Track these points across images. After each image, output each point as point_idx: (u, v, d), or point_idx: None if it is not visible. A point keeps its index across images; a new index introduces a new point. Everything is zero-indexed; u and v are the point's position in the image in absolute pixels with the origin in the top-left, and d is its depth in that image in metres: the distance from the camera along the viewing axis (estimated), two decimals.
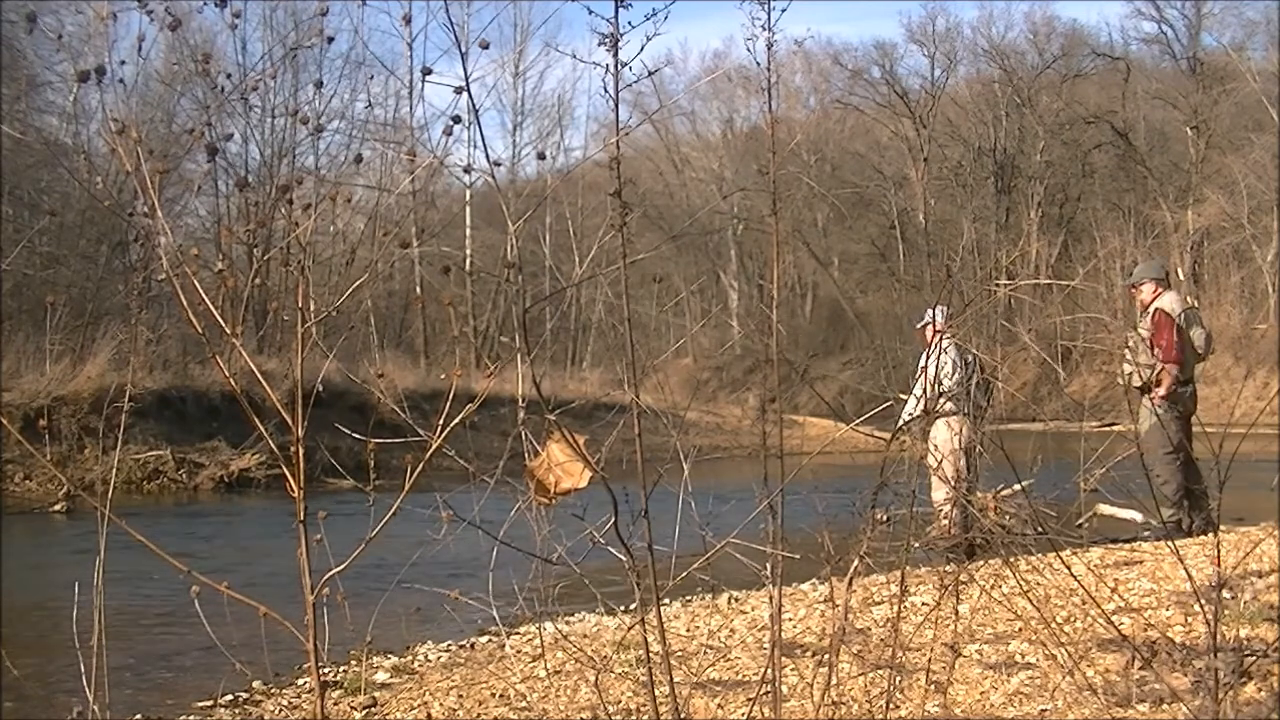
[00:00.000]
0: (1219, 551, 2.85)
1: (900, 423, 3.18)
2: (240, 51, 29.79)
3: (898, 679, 3.42)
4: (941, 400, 6.14)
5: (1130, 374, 7.67)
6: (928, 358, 3.34)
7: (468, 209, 36.84)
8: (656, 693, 2.87)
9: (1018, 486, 4.41)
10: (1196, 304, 8.73)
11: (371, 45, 51.37)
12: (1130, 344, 7.75)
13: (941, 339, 3.34)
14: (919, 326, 7.90)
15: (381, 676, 5.61)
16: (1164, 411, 7.47)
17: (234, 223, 26.78)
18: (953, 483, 4.18)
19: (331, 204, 2.87)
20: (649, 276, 39.98)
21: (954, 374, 6.71)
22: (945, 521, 6.77)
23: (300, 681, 5.52)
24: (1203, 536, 6.84)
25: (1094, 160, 44.47)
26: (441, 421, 2.50)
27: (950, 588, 3.35)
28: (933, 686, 3.59)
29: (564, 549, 3.01)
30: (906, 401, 3.88)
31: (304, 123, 27.65)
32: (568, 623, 6.30)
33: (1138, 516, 7.84)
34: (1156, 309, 7.68)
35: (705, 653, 5.31)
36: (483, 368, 2.74)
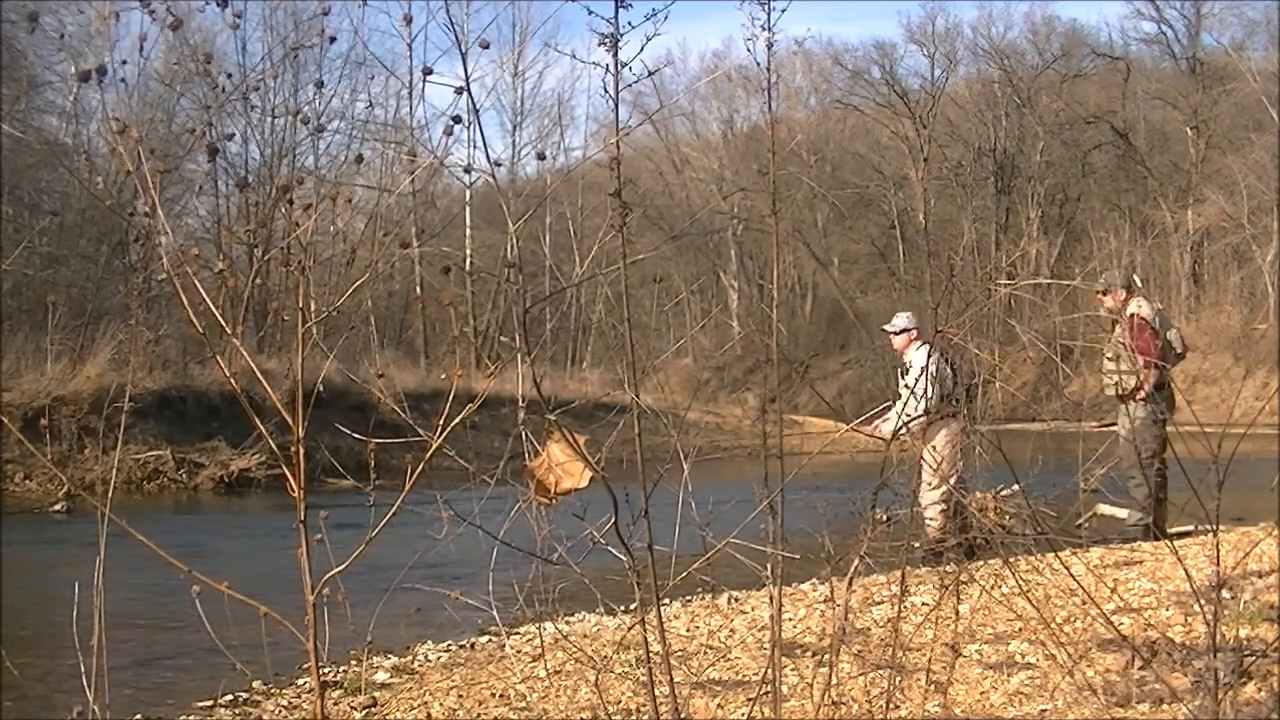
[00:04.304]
0: (1219, 551, 2.85)
1: (896, 431, 3.17)
2: (240, 52, 29.80)
3: (898, 679, 3.42)
4: (944, 403, 6.14)
5: (1115, 381, 7.71)
6: (906, 369, 3.34)
7: (468, 209, 36.82)
8: (656, 693, 2.87)
9: (1016, 487, 4.40)
10: (1163, 306, 8.82)
11: (371, 45, 51.36)
12: (1110, 353, 7.80)
13: (919, 344, 3.34)
14: (892, 334, 7.57)
15: (381, 676, 5.61)
16: (1143, 416, 7.51)
17: (234, 223, 26.80)
18: (949, 485, 4.18)
19: (331, 204, 2.87)
20: (649, 276, 40.02)
21: (937, 377, 6.69)
22: (930, 525, 6.80)
23: (300, 681, 5.52)
24: (1155, 542, 6.95)
25: (1094, 160, 44.46)
26: (441, 421, 2.50)
27: (950, 588, 3.35)
28: (933, 686, 3.59)
29: (564, 549, 3.01)
30: (903, 407, 3.88)
31: (304, 123, 27.78)
32: (568, 623, 6.30)
33: (1135, 515, 7.87)
34: (1132, 314, 7.72)
35: (705, 653, 5.31)
36: (483, 368, 2.74)
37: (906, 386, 3.40)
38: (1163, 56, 45.76)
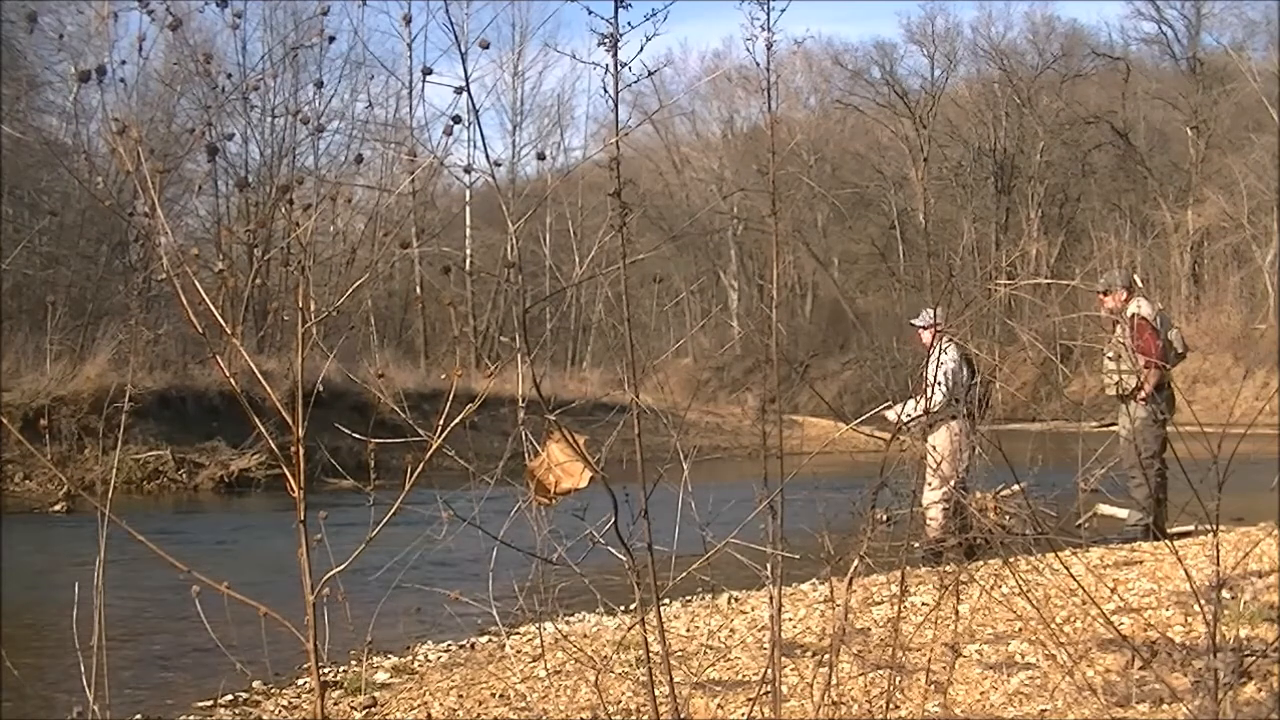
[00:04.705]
0: (1219, 551, 2.85)
1: (900, 421, 3.18)
2: (240, 52, 29.80)
3: (898, 679, 3.42)
4: (947, 403, 6.14)
5: (1116, 381, 7.73)
6: (928, 360, 3.35)
7: (467, 209, 36.83)
8: (656, 693, 2.87)
9: (1016, 487, 4.40)
10: (1163, 306, 8.88)
11: (371, 45, 51.42)
12: (1111, 353, 7.83)
13: (942, 340, 3.35)
14: (919, 328, 7.88)
15: (381, 676, 5.61)
16: (1143, 416, 7.54)
17: (234, 223, 26.80)
18: (950, 484, 4.18)
19: (331, 204, 2.87)
20: (649, 276, 39.96)
21: (961, 374, 6.71)
22: (931, 524, 6.81)
23: (300, 681, 5.52)
24: (1155, 542, 6.99)
25: (1094, 160, 44.48)
26: (441, 421, 2.50)
27: (950, 588, 3.35)
28: (933, 686, 3.59)
29: (564, 549, 3.01)
30: (907, 403, 3.91)
31: (304, 123, 27.76)
32: (568, 623, 6.30)
33: (1135, 515, 7.88)
34: (1134, 314, 7.75)
35: (705, 653, 5.31)
36: (483, 368, 2.74)
37: (932, 382, 3.41)
38: (1163, 56, 45.84)
